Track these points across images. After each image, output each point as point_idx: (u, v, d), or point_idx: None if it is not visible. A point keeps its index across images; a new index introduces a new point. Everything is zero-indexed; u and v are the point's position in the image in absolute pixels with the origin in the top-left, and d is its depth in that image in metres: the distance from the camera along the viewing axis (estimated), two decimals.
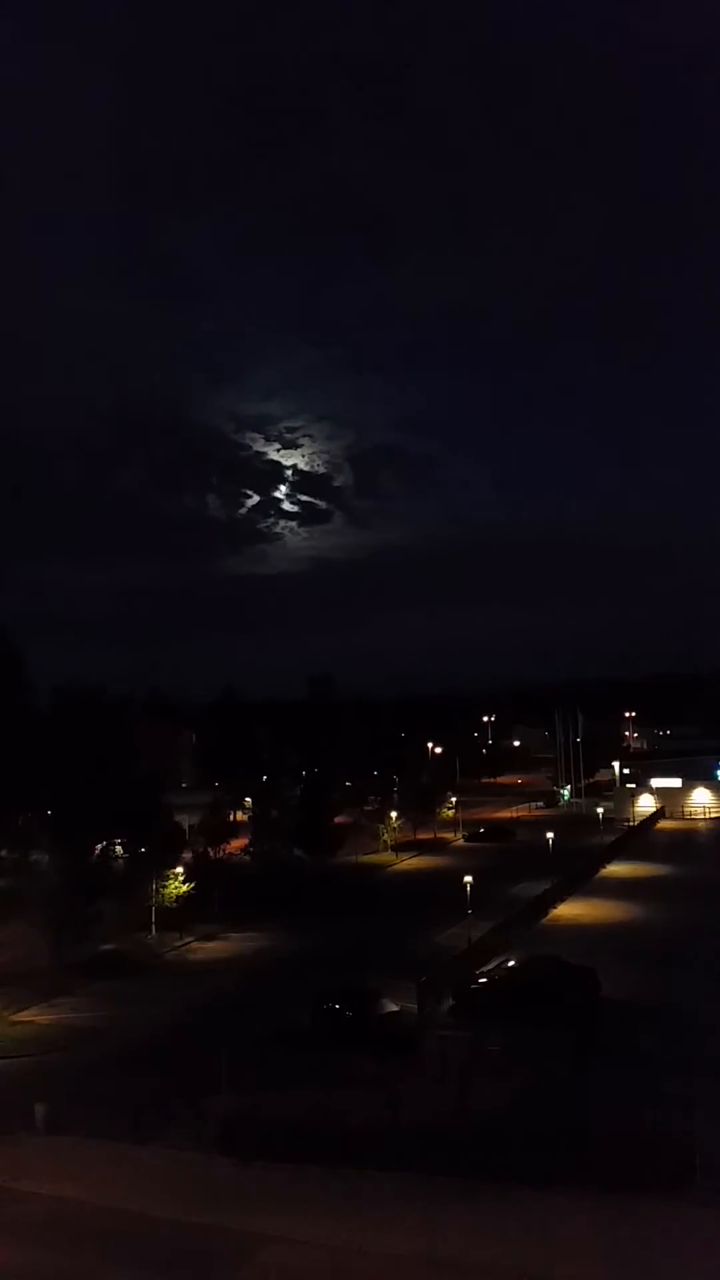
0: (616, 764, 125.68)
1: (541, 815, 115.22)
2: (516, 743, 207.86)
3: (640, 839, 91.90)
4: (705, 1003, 38.19)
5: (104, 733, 64.55)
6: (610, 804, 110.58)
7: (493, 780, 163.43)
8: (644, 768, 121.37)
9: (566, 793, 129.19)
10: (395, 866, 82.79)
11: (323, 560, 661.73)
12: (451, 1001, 39.69)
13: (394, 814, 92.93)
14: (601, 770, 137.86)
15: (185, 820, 69.08)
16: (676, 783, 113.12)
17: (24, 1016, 41.97)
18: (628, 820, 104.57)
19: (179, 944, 54.48)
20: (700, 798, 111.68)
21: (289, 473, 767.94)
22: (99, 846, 58.13)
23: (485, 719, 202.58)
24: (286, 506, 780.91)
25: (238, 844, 74.06)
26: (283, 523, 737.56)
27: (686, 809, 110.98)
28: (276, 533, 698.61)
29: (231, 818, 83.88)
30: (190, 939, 55.25)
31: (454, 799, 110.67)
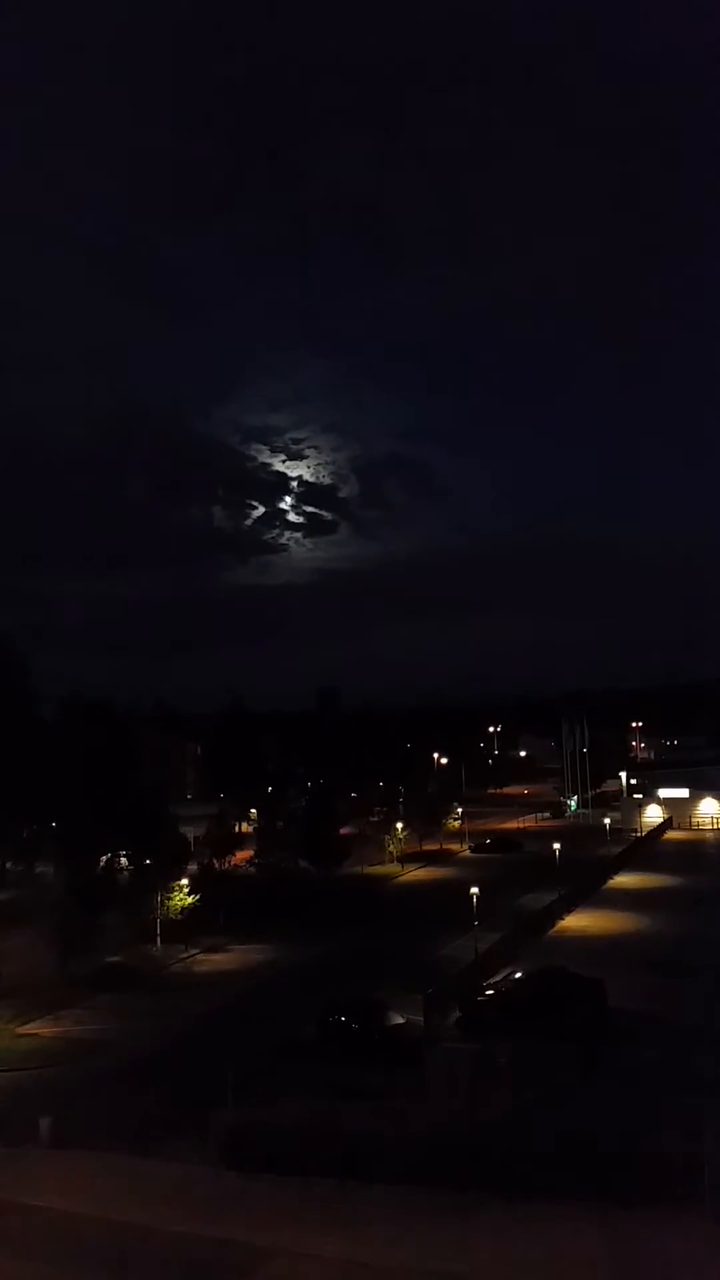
0: (623, 774, 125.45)
1: (548, 826, 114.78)
2: (523, 753, 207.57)
3: (648, 849, 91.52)
4: (714, 1015, 37.93)
5: (109, 744, 64.77)
6: (617, 814, 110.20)
7: (499, 791, 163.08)
8: (651, 778, 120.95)
9: (573, 803, 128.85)
10: (401, 878, 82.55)
11: (328, 571, 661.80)
12: (458, 1013, 39.49)
13: (400, 825, 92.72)
14: (608, 780, 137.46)
15: (190, 832, 69.05)
16: (684, 793, 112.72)
17: (29, 1029, 41.89)
18: (635, 831, 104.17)
19: (184, 956, 54.33)
20: (708, 808, 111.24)
21: (295, 484, 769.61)
22: (104, 858, 58.14)
23: (492, 729, 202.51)
24: (292, 518, 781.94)
25: (243, 855, 73.94)
26: (288, 534, 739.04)
27: (694, 819, 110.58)
28: (282, 544, 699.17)
29: (237, 829, 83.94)
30: (196, 951, 55.10)
31: (460, 810, 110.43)
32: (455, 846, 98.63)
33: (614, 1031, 36.87)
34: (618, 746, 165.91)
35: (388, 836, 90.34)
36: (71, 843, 55.74)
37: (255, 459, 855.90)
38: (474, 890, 52.79)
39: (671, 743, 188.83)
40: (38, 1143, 28.04)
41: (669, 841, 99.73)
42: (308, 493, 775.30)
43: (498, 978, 43.36)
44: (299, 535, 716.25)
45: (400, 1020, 37.37)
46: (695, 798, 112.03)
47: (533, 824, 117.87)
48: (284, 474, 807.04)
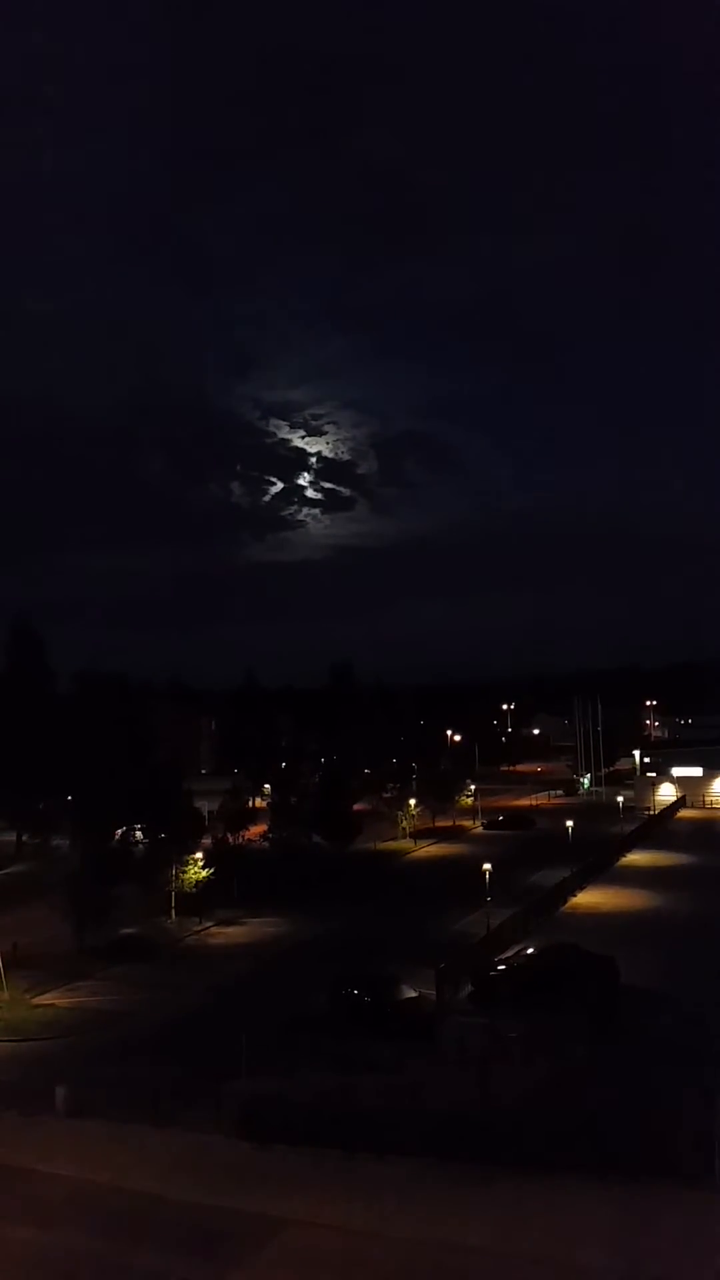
0: (637, 752, 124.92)
1: (561, 803, 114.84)
2: (536, 731, 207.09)
3: (661, 828, 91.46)
4: None
5: (125, 719, 64.99)
6: (630, 792, 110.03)
7: (512, 768, 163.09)
8: (665, 756, 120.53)
9: (586, 781, 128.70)
10: (414, 854, 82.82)
11: (345, 548, 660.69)
12: (470, 988, 39.70)
13: (413, 801, 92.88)
14: (622, 759, 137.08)
15: (205, 806, 69.43)
16: (698, 771, 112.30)
17: (45, 999, 42.36)
18: (648, 809, 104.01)
19: (198, 929, 54.78)
20: None
21: (313, 460, 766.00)
22: (119, 832, 58.53)
23: (505, 707, 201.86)
24: (310, 494, 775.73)
25: (257, 830, 74.39)
26: (306, 510, 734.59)
27: (708, 798, 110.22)
28: (300, 520, 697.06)
29: (251, 804, 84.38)
30: (209, 924, 55.55)
31: (473, 786, 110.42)
32: (468, 823, 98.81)
33: (625, 1008, 36.98)
34: (631, 725, 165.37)
35: (400, 812, 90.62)
36: (87, 816, 56.10)
37: (274, 435, 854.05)
38: (486, 866, 52.94)
39: (686, 721, 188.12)
40: (54, 1112, 28.38)
41: (682, 820, 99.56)
42: (326, 469, 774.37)
43: (510, 953, 43.50)
44: (317, 512, 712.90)
45: (412, 994, 37.57)
46: (709, 776, 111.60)
47: (546, 801, 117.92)
48: (303, 450, 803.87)
